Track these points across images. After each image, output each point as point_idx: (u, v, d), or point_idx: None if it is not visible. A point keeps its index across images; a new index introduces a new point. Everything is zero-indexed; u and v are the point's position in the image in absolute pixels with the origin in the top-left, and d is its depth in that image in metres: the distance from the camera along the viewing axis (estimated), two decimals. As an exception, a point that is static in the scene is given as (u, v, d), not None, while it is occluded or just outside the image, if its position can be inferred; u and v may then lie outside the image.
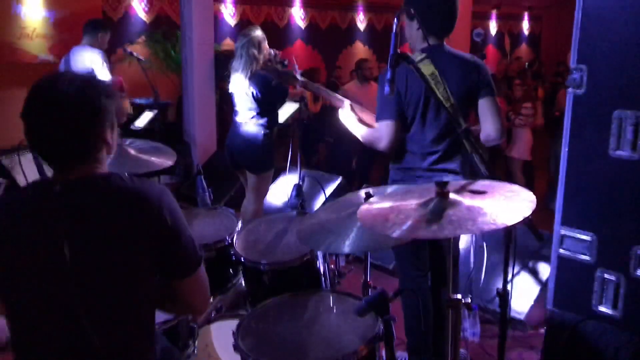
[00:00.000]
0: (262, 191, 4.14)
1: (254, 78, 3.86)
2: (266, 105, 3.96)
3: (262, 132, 3.96)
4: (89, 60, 4.75)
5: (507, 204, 1.53)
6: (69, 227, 1.38)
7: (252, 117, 3.96)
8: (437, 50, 2.45)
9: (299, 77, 3.06)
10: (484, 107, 2.48)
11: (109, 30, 5.04)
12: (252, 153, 4.00)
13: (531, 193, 1.56)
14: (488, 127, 2.48)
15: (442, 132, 2.47)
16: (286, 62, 4.16)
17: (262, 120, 3.96)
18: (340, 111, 2.70)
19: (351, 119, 2.65)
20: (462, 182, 1.75)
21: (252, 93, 3.88)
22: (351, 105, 2.68)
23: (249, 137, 3.98)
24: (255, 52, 3.86)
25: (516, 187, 1.63)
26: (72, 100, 1.39)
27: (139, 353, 1.47)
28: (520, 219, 1.44)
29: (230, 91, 4.05)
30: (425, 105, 2.46)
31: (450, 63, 2.44)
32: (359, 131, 2.61)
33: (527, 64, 11.20)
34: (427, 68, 2.35)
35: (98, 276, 1.39)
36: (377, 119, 2.50)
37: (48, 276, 1.39)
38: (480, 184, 1.68)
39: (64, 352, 1.42)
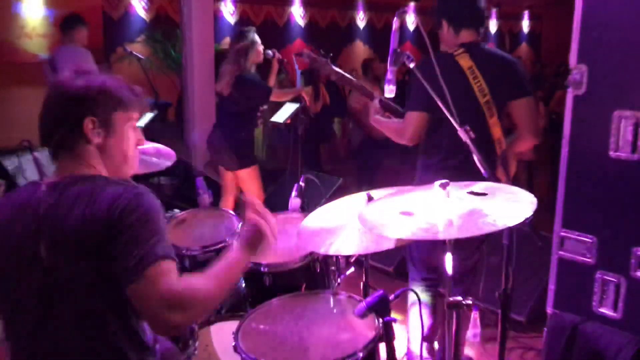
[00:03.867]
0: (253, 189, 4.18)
1: (237, 81, 3.91)
2: (247, 107, 4.04)
3: (242, 131, 4.06)
4: (77, 60, 4.68)
5: (507, 206, 1.53)
6: (46, 227, 1.40)
7: (232, 118, 4.03)
8: (474, 45, 2.43)
9: (333, 66, 3.05)
10: (520, 109, 2.43)
11: (85, 25, 4.91)
12: (234, 151, 4.07)
13: (532, 195, 1.57)
14: (523, 129, 2.45)
15: (475, 129, 2.44)
16: (285, 61, 4.18)
17: (242, 121, 4.04)
18: (370, 105, 2.70)
19: (378, 114, 2.64)
20: (463, 183, 1.75)
21: (235, 95, 3.92)
22: (380, 100, 2.69)
23: (231, 136, 4.04)
24: (242, 59, 3.91)
25: (516, 189, 1.63)
26: (62, 89, 1.47)
27: (121, 353, 1.46)
28: (520, 220, 1.44)
29: (216, 92, 4.12)
30: (459, 100, 2.43)
31: (487, 58, 2.42)
32: (385, 124, 2.60)
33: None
34: (465, 61, 2.34)
35: (70, 277, 1.40)
36: (406, 109, 2.48)
37: (28, 275, 1.42)
38: (481, 186, 1.68)
39: (47, 351, 1.44)
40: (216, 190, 4.05)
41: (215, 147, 4.18)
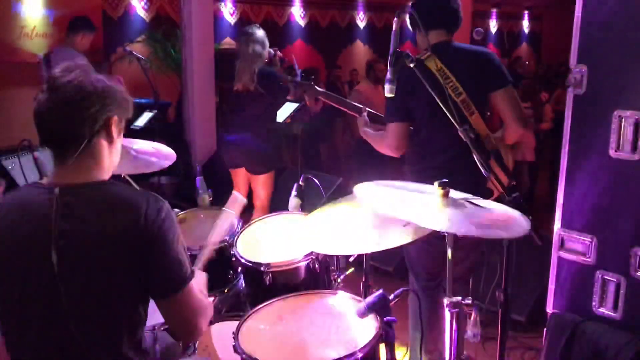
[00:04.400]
0: (265, 192, 4.16)
1: (261, 75, 3.88)
2: (270, 104, 3.98)
3: (266, 131, 4.00)
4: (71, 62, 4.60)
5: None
6: (58, 232, 1.39)
7: (256, 117, 3.97)
8: (442, 45, 2.42)
9: (317, 87, 3.08)
10: (500, 101, 2.42)
11: (93, 30, 4.84)
12: (258, 153, 4.02)
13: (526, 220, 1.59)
14: (507, 121, 2.43)
15: (454, 132, 2.44)
16: (286, 60, 4.18)
17: (266, 119, 3.98)
18: (358, 119, 2.72)
19: (367, 127, 2.67)
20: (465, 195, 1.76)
21: (260, 90, 3.89)
22: (368, 113, 2.70)
23: (254, 137, 3.99)
24: (260, 48, 3.90)
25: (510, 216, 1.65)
26: (86, 88, 1.42)
27: (126, 356, 1.47)
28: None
29: (235, 90, 4.03)
30: (434, 104, 2.43)
31: (457, 56, 2.41)
32: (372, 137, 2.63)
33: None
34: (433, 64, 2.33)
35: (83, 282, 1.40)
36: (385, 121, 2.49)
37: (35, 279, 1.41)
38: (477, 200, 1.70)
39: (51, 354, 1.43)
40: (216, 190, 4.05)
41: (241, 150, 4.09)
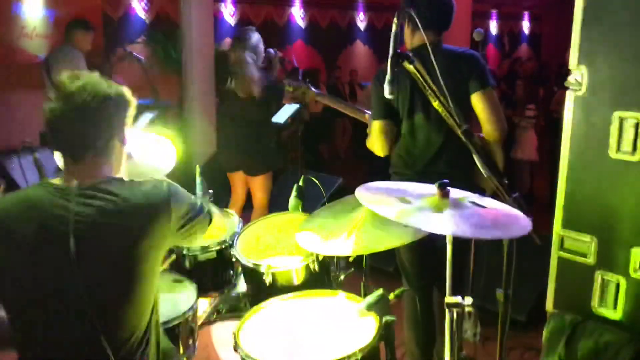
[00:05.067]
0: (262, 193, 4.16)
1: (270, 86, 3.90)
2: (265, 106, 3.98)
3: (264, 133, 3.99)
4: (69, 61, 4.66)
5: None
6: (77, 223, 1.41)
7: (257, 122, 3.97)
8: (426, 47, 2.41)
9: (314, 89, 3.09)
10: (477, 102, 2.43)
11: (89, 30, 4.87)
12: (257, 154, 4.02)
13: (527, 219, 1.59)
14: (484, 123, 2.44)
15: (433, 133, 2.45)
16: (287, 61, 4.19)
17: (262, 122, 3.98)
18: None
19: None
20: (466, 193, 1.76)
21: (265, 99, 3.90)
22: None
23: (250, 138, 3.98)
24: (254, 55, 3.89)
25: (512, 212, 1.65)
26: (83, 92, 1.45)
27: (140, 345, 1.49)
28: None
29: (227, 92, 4.05)
30: (412, 105, 2.44)
31: (439, 58, 2.36)
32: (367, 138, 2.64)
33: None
34: (411, 67, 2.33)
35: (101, 271, 1.43)
36: (370, 119, 2.52)
37: (51, 272, 1.42)
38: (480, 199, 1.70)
39: (68, 344, 1.44)
40: (216, 190, 4.05)
41: (239, 152, 4.12)
